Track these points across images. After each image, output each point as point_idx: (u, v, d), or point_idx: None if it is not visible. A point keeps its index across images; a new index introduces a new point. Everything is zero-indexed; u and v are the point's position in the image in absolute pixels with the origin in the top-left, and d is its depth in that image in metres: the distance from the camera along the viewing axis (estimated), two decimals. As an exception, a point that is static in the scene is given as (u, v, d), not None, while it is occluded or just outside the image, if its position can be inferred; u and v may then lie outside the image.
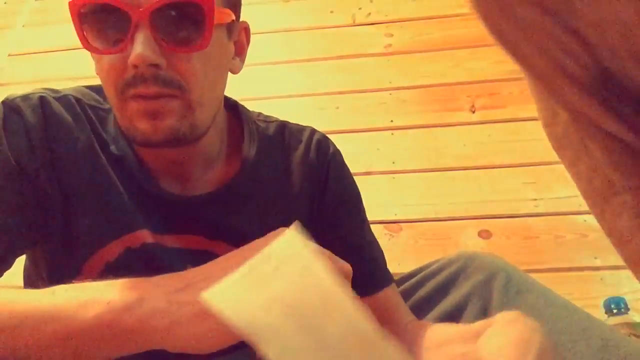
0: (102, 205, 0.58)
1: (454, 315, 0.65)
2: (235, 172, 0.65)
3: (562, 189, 1.33)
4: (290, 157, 0.69)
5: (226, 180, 0.64)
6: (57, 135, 0.57)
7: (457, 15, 1.64)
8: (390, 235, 1.29)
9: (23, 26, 1.87)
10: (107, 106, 0.62)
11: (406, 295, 0.71)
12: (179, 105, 0.54)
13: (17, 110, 0.56)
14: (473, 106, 1.50)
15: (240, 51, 0.63)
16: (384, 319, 0.65)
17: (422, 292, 0.70)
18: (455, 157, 1.42)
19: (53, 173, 0.57)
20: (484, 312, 0.62)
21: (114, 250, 0.58)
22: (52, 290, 0.40)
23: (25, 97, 0.58)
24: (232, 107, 0.70)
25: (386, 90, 1.55)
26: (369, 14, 1.69)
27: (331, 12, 1.74)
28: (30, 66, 1.76)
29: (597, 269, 1.22)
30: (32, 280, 0.64)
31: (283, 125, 0.72)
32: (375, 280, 0.69)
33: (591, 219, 1.28)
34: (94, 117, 0.61)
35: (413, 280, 0.73)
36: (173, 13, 0.52)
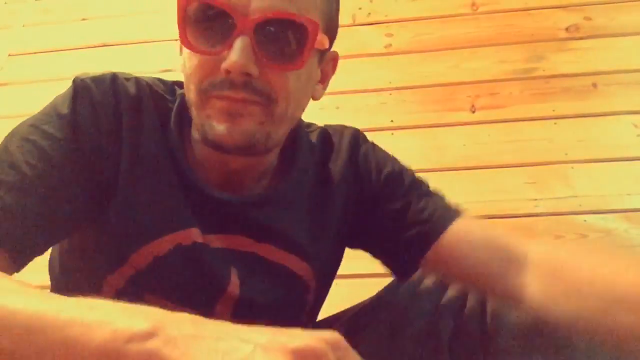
0: (159, 196, 0.58)
1: (453, 307, 0.64)
2: (285, 178, 0.65)
3: (562, 189, 1.33)
4: (328, 162, 0.70)
5: (275, 185, 0.65)
6: (125, 117, 0.57)
7: (457, 15, 1.64)
8: (390, 235, 1.29)
9: (23, 26, 1.87)
10: (171, 98, 0.62)
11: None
12: (261, 111, 0.54)
13: (88, 91, 0.56)
14: (473, 106, 1.50)
15: (324, 79, 0.65)
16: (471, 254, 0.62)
17: (416, 282, 0.68)
18: (455, 157, 1.42)
19: (119, 157, 0.57)
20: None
21: (165, 245, 0.58)
22: (62, 305, 0.37)
23: (96, 77, 0.58)
24: None
25: (386, 90, 1.55)
26: (369, 14, 1.69)
27: (331, 12, 1.74)
28: (30, 66, 1.75)
29: (597, 269, 1.22)
30: (64, 269, 0.63)
31: (324, 131, 0.73)
32: (436, 223, 0.66)
33: (591, 219, 1.28)
34: (160, 105, 0.61)
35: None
36: (277, 28, 0.53)
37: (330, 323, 0.69)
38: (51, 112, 0.55)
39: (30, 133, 0.53)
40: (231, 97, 0.53)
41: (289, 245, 0.63)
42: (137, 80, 0.60)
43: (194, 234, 0.59)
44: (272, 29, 0.52)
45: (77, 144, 0.54)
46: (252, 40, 0.51)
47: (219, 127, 0.53)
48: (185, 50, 0.56)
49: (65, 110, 0.55)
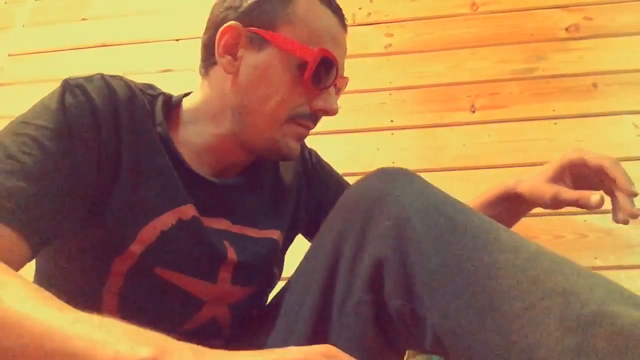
0: (158, 177, 0.64)
1: (373, 282, 0.56)
2: (253, 169, 0.76)
3: (562, 189, 1.33)
4: None
5: (246, 174, 0.75)
6: (121, 109, 0.62)
7: (457, 15, 1.64)
8: (390, 235, 1.29)
9: (23, 26, 1.87)
10: (151, 92, 0.69)
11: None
12: None
13: (81, 87, 0.60)
14: (473, 106, 1.50)
15: None
16: None
17: (338, 262, 0.61)
18: (455, 157, 1.42)
19: (120, 145, 0.61)
20: (405, 275, 0.53)
21: (168, 219, 0.63)
22: (71, 317, 0.39)
23: (87, 77, 0.62)
24: None
25: (386, 90, 1.55)
26: (369, 14, 1.69)
27: (331, 12, 1.74)
28: (30, 66, 1.76)
29: (597, 269, 1.22)
30: (63, 265, 0.64)
31: None
32: None
33: (591, 219, 1.28)
34: (146, 100, 0.67)
35: (328, 249, 0.62)
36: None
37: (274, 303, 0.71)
38: (40, 109, 0.58)
39: (21, 128, 0.56)
40: (311, 128, 0.71)
41: (265, 223, 0.75)
42: (122, 78, 0.66)
43: (192, 209, 0.65)
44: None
45: (70, 133, 0.57)
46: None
47: (294, 145, 0.69)
48: (282, 76, 0.66)
49: (54, 104, 0.58)
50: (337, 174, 0.92)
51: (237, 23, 0.66)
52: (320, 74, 0.66)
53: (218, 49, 0.66)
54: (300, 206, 0.83)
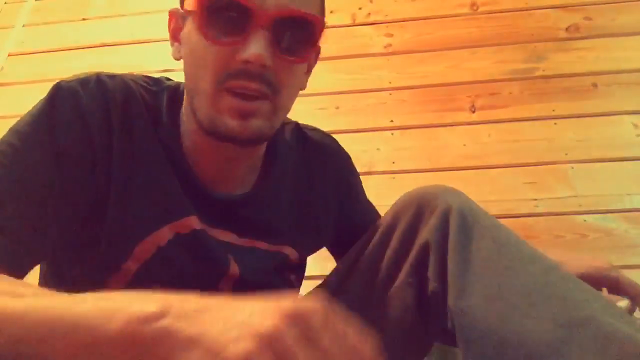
0: (155, 188, 0.60)
1: (417, 265, 0.64)
2: (269, 174, 0.70)
3: (562, 189, 1.33)
4: (305, 158, 0.75)
5: (261, 184, 0.69)
6: (114, 118, 0.58)
7: (457, 15, 1.64)
8: (390, 235, 1.29)
9: (23, 26, 1.87)
10: (155, 89, 0.64)
11: (373, 252, 0.70)
12: (268, 107, 0.57)
13: (73, 93, 0.57)
14: (473, 106, 1.50)
15: (309, 70, 0.67)
16: None
17: (382, 244, 0.69)
18: (455, 157, 1.42)
19: (111, 156, 0.57)
20: (444, 261, 0.61)
21: (164, 234, 0.60)
22: (83, 299, 0.40)
23: (82, 80, 0.58)
24: None
25: (386, 90, 1.55)
26: (369, 14, 1.69)
27: (331, 12, 1.74)
28: (30, 66, 1.76)
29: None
30: (56, 275, 0.63)
31: (299, 129, 0.78)
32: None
33: (591, 219, 1.28)
34: (148, 99, 0.62)
35: (376, 239, 0.70)
36: (291, 24, 0.56)
37: (310, 295, 0.72)
38: (26, 116, 0.56)
39: (7, 136, 0.54)
40: (247, 88, 0.55)
41: (278, 238, 0.70)
42: (122, 78, 0.61)
43: (193, 222, 0.62)
44: (287, 24, 0.55)
45: (53, 139, 0.54)
46: (269, 33, 0.54)
47: (231, 124, 0.56)
48: (197, 43, 0.57)
49: (38, 110, 0.56)
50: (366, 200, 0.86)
51: (177, 7, 0.62)
52: (217, 18, 0.55)
53: (170, 38, 0.63)
54: (329, 219, 0.77)
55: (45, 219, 0.53)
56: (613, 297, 0.68)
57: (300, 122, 0.78)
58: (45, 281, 0.64)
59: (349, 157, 0.82)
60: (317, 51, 0.66)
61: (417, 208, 0.66)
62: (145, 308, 0.37)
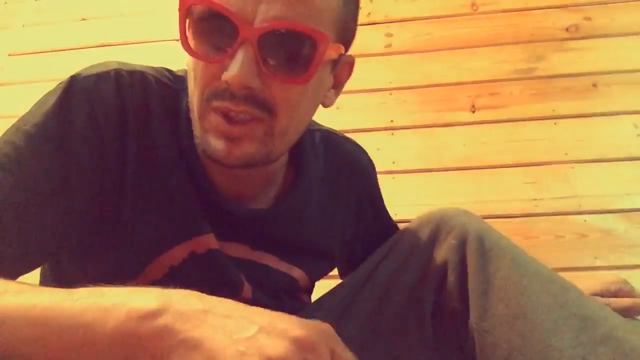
0: (172, 202, 0.55)
1: (434, 283, 0.65)
2: (294, 190, 0.65)
3: (562, 189, 1.33)
4: (338, 175, 0.72)
5: (284, 198, 0.65)
6: (131, 123, 0.53)
7: (457, 15, 1.64)
8: (390, 235, 1.29)
9: (23, 26, 1.87)
10: (177, 87, 0.58)
11: (385, 260, 0.70)
12: (262, 131, 0.51)
13: (87, 92, 0.51)
14: (473, 106, 1.50)
15: (337, 84, 0.61)
16: None
17: (399, 259, 0.69)
18: (455, 157, 1.42)
19: (126, 166, 0.53)
20: (463, 281, 0.62)
21: (178, 254, 0.56)
22: (74, 295, 0.37)
23: (99, 77, 0.53)
24: None
25: (386, 90, 1.55)
26: (369, 14, 1.69)
27: (331, 12, 1.74)
28: (30, 66, 1.76)
29: (597, 269, 1.22)
30: (58, 281, 0.61)
31: (329, 137, 0.73)
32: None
33: (591, 219, 1.28)
34: (169, 100, 0.57)
35: (386, 248, 0.71)
36: (283, 40, 0.48)
37: (320, 303, 0.71)
38: (34, 112, 0.51)
39: (12, 135, 0.49)
40: (232, 110, 0.49)
41: (292, 259, 0.68)
42: (142, 75, 0.56)
43: (209, 241, 0.58)
44: (277, 39, 0.48)
45: (61, 148, 0.49)
46: (255, 50, 0.47)
47: (217, 144, 0.50)
48: (190, 59, 0.53)
49: (47, 111, 0.50)
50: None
51: None
52: (201, 30, 0.50)
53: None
54: (346, 234, 0.75)
55: (45, 233, 0.49)
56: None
57: None
58: (47, 283, 0.62)
59: (374, 168, 0.80)
60: (348, 62, 0.59)
61: (434, 227, 0.67)
62: (144, 304, 0.35)
